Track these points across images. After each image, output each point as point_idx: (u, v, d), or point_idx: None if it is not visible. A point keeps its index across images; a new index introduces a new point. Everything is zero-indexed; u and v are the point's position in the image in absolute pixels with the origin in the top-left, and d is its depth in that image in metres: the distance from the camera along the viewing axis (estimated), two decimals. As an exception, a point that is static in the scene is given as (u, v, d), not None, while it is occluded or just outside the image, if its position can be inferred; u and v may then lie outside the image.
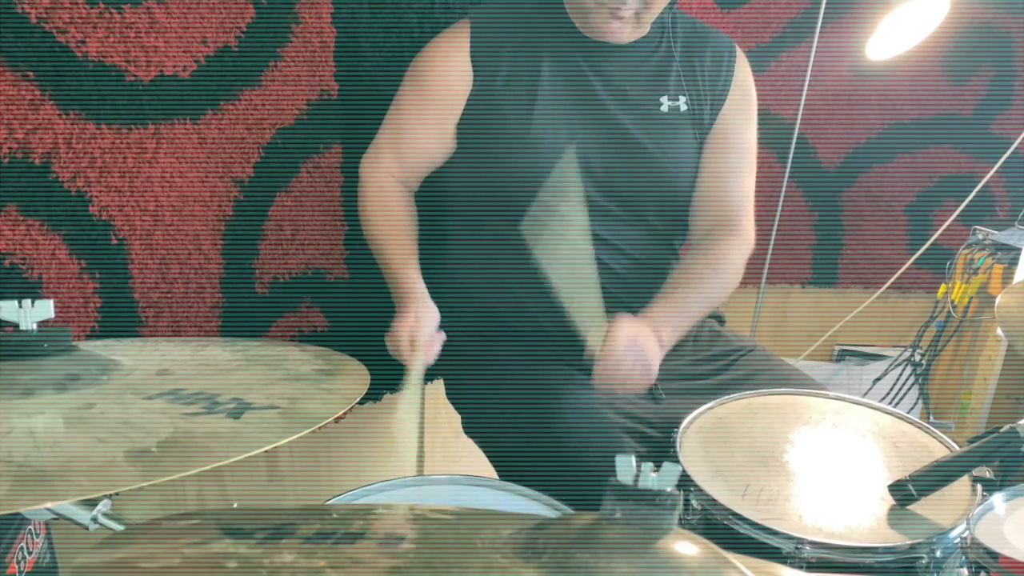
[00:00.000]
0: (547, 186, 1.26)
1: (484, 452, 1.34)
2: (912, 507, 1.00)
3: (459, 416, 1.41)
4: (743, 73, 1.36)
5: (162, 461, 0.58)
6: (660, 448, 1.16)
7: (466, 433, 1.38)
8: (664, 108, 1.30)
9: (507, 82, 1.28)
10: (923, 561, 0.94)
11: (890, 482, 1.02)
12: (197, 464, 0.58)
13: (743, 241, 1.35)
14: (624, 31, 1.27)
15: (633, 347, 1.15)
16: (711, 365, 1.37)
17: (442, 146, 1.33)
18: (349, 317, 1.52)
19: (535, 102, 1.27)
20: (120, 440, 0.60)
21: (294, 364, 0.85)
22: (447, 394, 1.44)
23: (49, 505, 0.65)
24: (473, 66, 1.28)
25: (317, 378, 0.82)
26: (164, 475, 0.56)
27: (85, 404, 0.66)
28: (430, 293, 1.43)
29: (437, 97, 1.30)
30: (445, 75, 1.29)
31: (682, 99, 1.31)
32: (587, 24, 1.28)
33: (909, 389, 2.26)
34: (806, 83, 2.08)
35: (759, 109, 1.40)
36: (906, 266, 2.29)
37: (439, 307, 1.41)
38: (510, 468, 1.20)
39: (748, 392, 1.29)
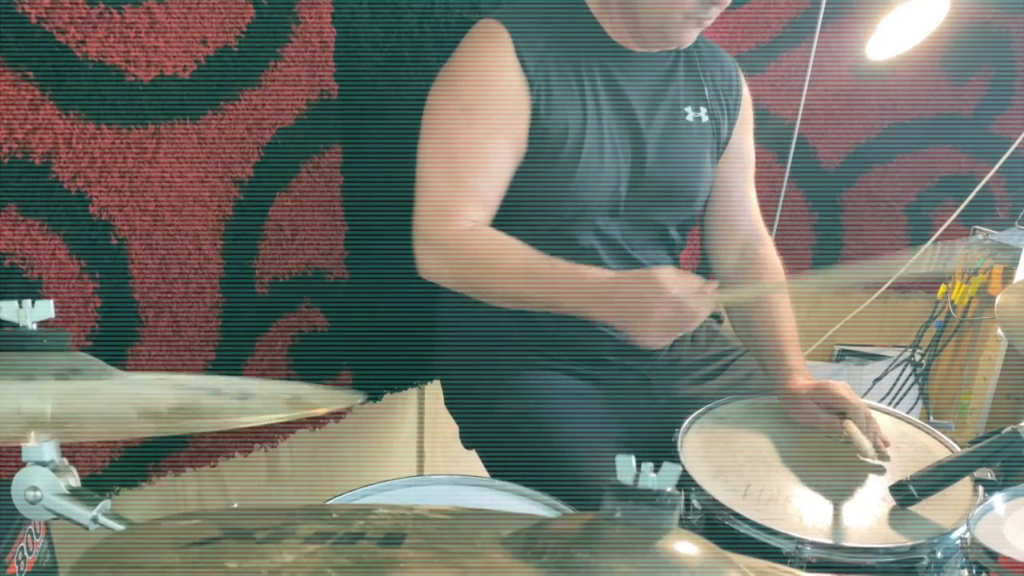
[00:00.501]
0: (587, 195, 1.22)
1: (483, 461, 1.33)
2: (913, 508, 1.00)
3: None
4: (746, 90, 1.39)
5: (173, 420, 0.60)
6: (661, 450, 1.16)
7: (464, 444, 1.38)
8: (689, 118, 1.30)
9: (558, 90, 1.19)
10: (924, 562, 0.94)
11: (891, 483, 1.02)
12: (206, 423, 0.59)
13: (770, 243, 1.41)
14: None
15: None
16: (710, 366, 1.38)
17: (515, 165, 1.19)
18: (349, 317, 1.52)
19: (584, 110, 1.21)
20: (132, 405, 0.63)
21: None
22: (446, 403, 1.43)
23: (57, 444, 0.66)
24: (526, 74, 1.17)
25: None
26: (176, 430, 0.59)
27: (89, 388, 0.67)
28: (434, 294, 1.42)
29: (505, 115, 1.17)
30: (506, 88, 1.17)
31: (703, 109, 1.31)
32: (658, 34, 1.22)
33: (909, 389, 2.26)
34: (806, 83, 2.08)
35: (759, 109, 1.44)
36: (906, 266, 2.29)
37: (442, 311, 1.41)
38: (509, 475, 1.19)
39: (749, 392, 1.29)
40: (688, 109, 1.30)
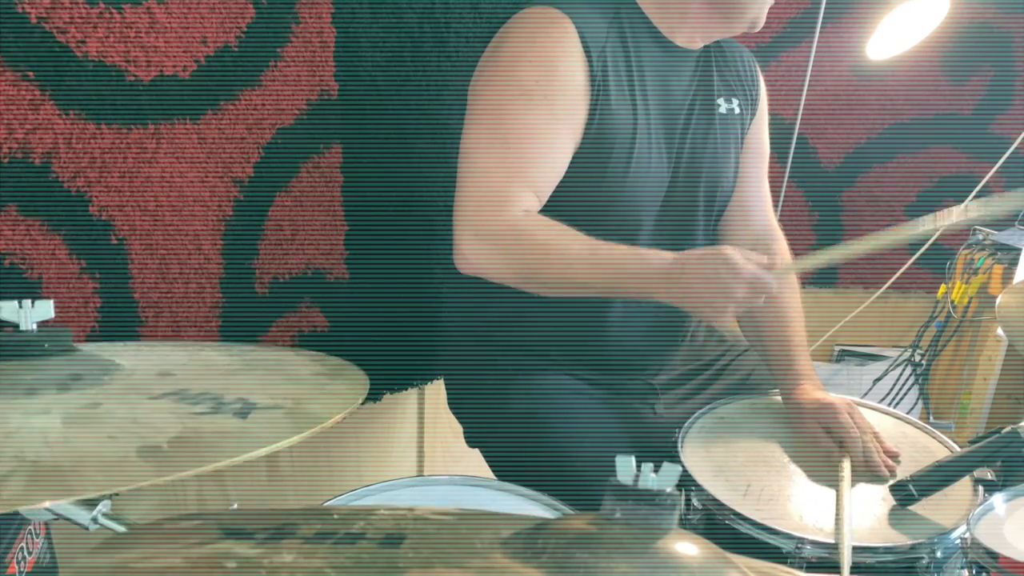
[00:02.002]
0: (638, 195, 1.20)
1: (487, 461, 1.33)
2: (913, 507, 1.00)
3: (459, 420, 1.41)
4: (763, 81, 1.38)
5: (174, 458, 0.58)
6: (664, 452, 1.16)
7: (468, 443, 1.37)
8: (722, 110, 1.29)
9: (614, 85, 1.15)
10: (924, 561, 0.94)
11: (891, 482, 1.02)
12: (208, 461, 0.57)
13: (783, 240, 1.40)
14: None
15: None
16: (710, 368, 1.37)
17: (570, 158, 1.15)
18: (349, 317, 1.52)
19: (635, 108, 1.18)
20: (130, 438, 0.60)
21: (293, 367, 0.85)
22: (449, 403, 1.42)
23: (67, 501, 0.65)
24: (589, 64, 1.12)
25: (317, 380, 0.82)
26: (176, 472, 0.56)
27: (90, 404, 0.66)
28: (438, 293, 1.41)
29: (566, 102, 1.11)
30: (569, 74, 1.11)
31: (735, 101, 1.30)
32: (738, 13, 1.19)
33: (909, 389, 2.26)
34: (806, 83, 2.08)
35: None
36: (906, 266, 2.29)
37: (448, 311, 1.40)
38: (512, 475, 1.19)
39: (750, 392, 1.29)
40: (721, 101, 1.28)
